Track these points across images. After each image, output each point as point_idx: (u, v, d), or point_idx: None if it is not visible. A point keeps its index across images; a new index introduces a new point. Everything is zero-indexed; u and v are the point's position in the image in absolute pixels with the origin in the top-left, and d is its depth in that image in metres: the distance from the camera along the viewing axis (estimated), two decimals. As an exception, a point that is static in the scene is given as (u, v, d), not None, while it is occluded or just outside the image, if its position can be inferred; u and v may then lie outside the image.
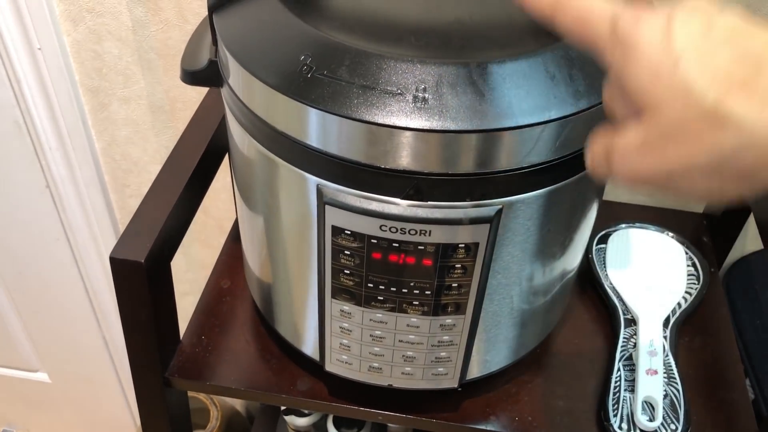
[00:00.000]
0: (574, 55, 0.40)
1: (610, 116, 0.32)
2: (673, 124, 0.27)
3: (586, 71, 0.40)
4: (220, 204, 0.95)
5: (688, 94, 0.27)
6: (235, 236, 0.72)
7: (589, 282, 0.68)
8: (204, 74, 0.47)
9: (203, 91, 0.68)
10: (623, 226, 0.71)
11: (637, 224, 0.71)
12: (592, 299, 0.67)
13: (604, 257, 0.68)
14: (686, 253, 0.69)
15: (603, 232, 0.70)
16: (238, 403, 1.25)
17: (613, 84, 0.31)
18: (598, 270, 0.67)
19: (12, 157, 0.93)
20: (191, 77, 0.48)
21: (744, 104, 0.26)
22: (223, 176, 0.88)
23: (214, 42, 0.47)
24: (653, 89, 0.28)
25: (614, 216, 0.73)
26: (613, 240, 0.70)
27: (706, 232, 0.74)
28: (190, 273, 1.09)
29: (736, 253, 0.80)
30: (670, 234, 0.70)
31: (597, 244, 0.70)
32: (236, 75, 0.43)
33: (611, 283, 0.66)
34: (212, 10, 0.45)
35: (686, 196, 0.29)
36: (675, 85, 0.27)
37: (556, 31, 0.33)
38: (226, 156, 0.64)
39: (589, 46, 0.31)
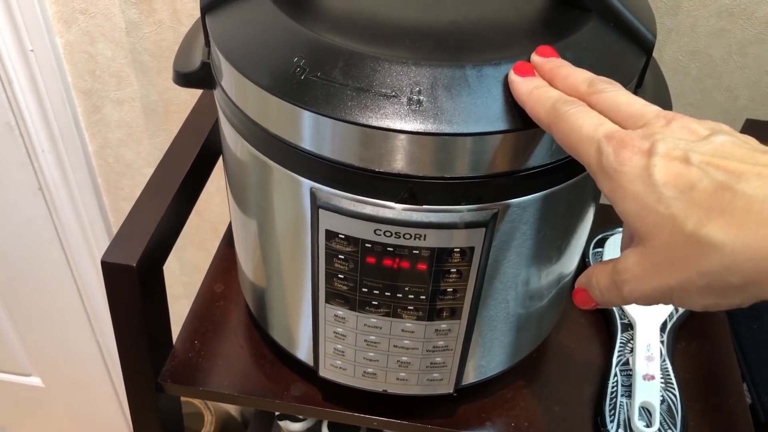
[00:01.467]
0: (571, 58, 0.40)
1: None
2: (664, 252, 0.30)
3: (582, 74, 0.39)
4: (214, 207, 0.94)
5: (673, 224, 0.29)
6: (228, 240, 0.72)
7: (585, 286, 0.67)
8: (196, 76, 0.47)
9: (197, 93, 0.68)
10: (620, 230, 0.70)
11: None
12: (589, 303, 0.66)
13: (600, 261, 0.68)
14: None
15: (600, 236, 0.70)
16: (232, 408, 1.24)
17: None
18: (595, 274, 0.67)
19: (4, 159, 0.93)
20: (184, 79, 0.47)
21: (722, 229, 0.28)
22: (217, 179, 0.87)
23: (207, 43, 0.46)
24: (642, 221, 0.30)
25: (611, 220, 0.72)
26: (609, 244, 0.69)
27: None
28: (184, 276, 1.09)
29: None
30: (667, 238, 0.70)
31: (594, 248, 0.69)
32: (229, 77, 0.43)
33: (608, 287, 0.66)
34: (204, 11, 0.45)
35: (689, 307, 0.32)
36: (660, 217, 0.30)
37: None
38: (220, 159, 0.64)
39: (581, 163, 0.34)
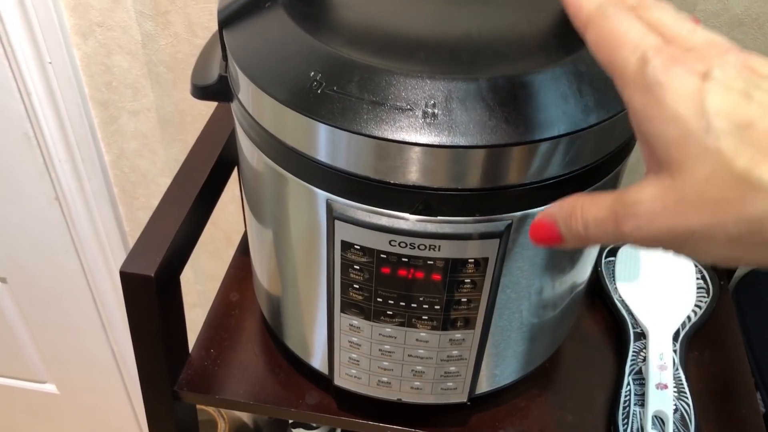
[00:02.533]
0: (584, 71, 0.40)
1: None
2: (699, 189, 0.26)
3: (595, 86, 0.40)
4: (228, 216, 0.95)
5: (717, 159, 0.25)
6: (243, 249, 0.72)
7: (598, 295, 0.67)
8: (214, 89, 0.48)
9: (212, 104, 0.69)
10: (632, 238, 0.70)
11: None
12: (601, 313, 0.66)
13: (613, 270, 0.68)
14: (695, 266, 0.69)
15: (612, 245, 0.70)
16: (245, 415, 1.25)
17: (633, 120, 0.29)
18: (607, 283, 0.67)
19: (22, 169, 0.94)
20: (201, 92, 0.48)
21: None
22: (231, 188, 0.88)
23: (224, 57, 0.47)
24: (679, 149, 0.26)
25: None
26: (622, 253, 0.70)
27: (715, 244, 0.74)
28: (198, 285, 1.10)
29: (745, 265, 0.79)
30: (680, 247, 0.70)
31: (606, 257, 0.69)
32: (246, 90, 0.43)
33: (620, 297, 0.66)
34: (222, 25, 0.46)
35: (702, 258, 0.28)
36: (705, 149, 0.26)
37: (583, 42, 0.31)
38: (235, 169, 0.65)
39: (610, 72, 0.30)
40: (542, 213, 0.33)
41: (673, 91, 0.26)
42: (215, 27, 0.75)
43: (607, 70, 0.30)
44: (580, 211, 0.31)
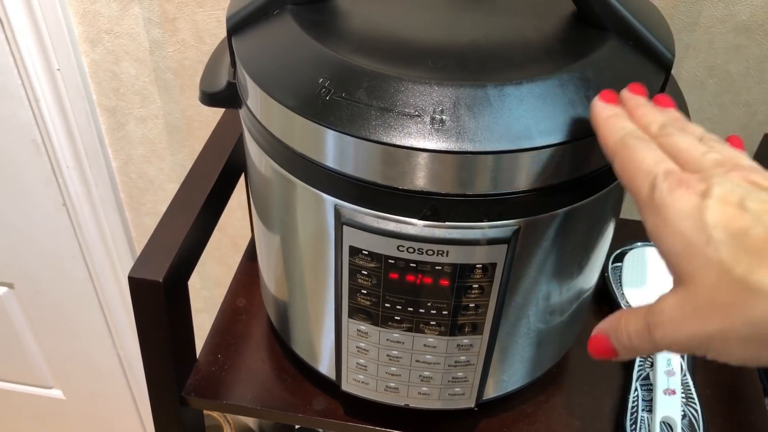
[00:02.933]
0: (591, 77, 0.40)
1: None
2: (707, 297, 0.29)
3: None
4: (235, 222, 0.95)
5: (719, 268, 0.28)
6: (250, 255, 0.73)
7: (604, 301, 0.67)
8: (222, 96, 0.48)
9: (219, 110, 0.69)
10: (639, 244, 0.71)
11: (653, 243, 0.70)
12: (608, 318, 0.66)
13: (620, 276, 0.68)
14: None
15: (618, 251, 0.70)
16: (251, 420, 1.25)
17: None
18: (614, 289, 0.67)
19: (29, 175, 0.95)
20: (210, 99, 0.48)
21: None
22: (238, 194, 0.88)
23: (233, 64, 0.47)
24: (686, 262, 0.29)
25: (630, 234, 0.73)
26: (628, 258, 0.70)
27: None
28: (205, 290, 1.10)
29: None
30: (686, 252, 0.70)
31: (613, 263, 0.69)
32: (255, 97, 0.44)
33: (627, 302, 0.66)
34: (231, 32, 0.46)
35: (727, 360, 0.30)
36: (707, 259, 0.28)
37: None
38: (242, 175, 0.65)
39: (632, 195, 0.33)
40: (596, 328, 0.37)
41: (676, 211, 0.30)
42: (223, 34, 0.75)
43: (631, 195, 0.34)
44: (624, 324, 0.34)
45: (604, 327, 0.36)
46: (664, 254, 0.31)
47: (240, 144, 0.62)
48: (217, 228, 0.60)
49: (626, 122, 0.36)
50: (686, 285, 0.30)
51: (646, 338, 0.32)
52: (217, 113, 0.69)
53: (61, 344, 1.26)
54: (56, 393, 1.39)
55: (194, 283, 1.09)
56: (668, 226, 0.30)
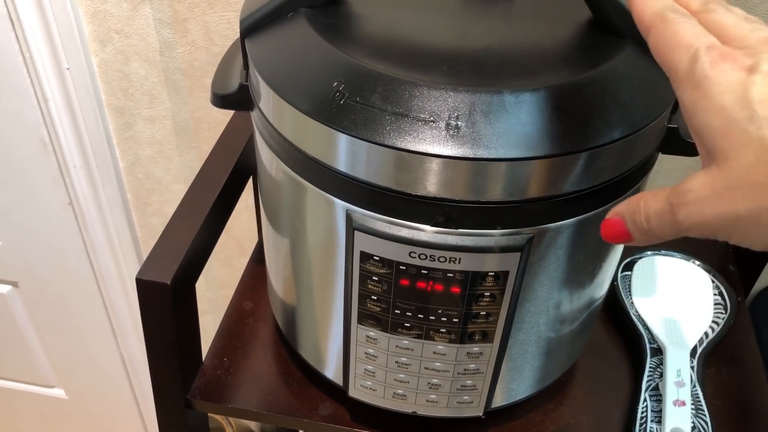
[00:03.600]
0: (607, 85, 0.40)
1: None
2: (744, 175, 0.28)
3: (619, 101, 0.40)
4: (241, 224, 0.95)
5: (760, 146, 0.27)
6: (257, 257, 0.72)
7: (614, 310, 0.67)
8: (234, 98, 0.48)
9: (228, 112, 0.69)
10: (649, 253, 0.70)
11: (663, 252, 0.70)
12: (617, 327, 0.66)
13: (629, 285, 0.68)
14: (713, 282, 0.68)
15: (628, 260, 0.70)
16: (253, 424, 1.24)
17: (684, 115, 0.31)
18: (624, 298, 0.67)
19: (37, 174, 0.94)
20: (222, 101, 0.48)
21: None
22: (245, 196, 0.88)
23: (245, 66, 0.47)
24: (724, 138, 0.28)
25: (639, 243, 0.72)
26: (638, 267, 0.69)
27: (732, 260, 0.73)
28: (209, 292, 1.10)
29: (762, 281, 0.79)
30: (696, 262, 0.69)
31: (622, 272, 0.69)
32: (267, 99, 0.43)
33: (636, 312, 0.65)
34: (245, 34, 0.46)
35: (752, 245, 0.29)
36: (749, 137, 0.27)
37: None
38: (250, 178, 0.65)
39: (667, 73, 0.31)
40: (611, 211, 0.34)
41: (719, 84, 0.28)
42: (233, 35, 0.75)
43: (665, 71, 0.31)
44: (643, 205, 0.32)
45: (620, 209, 0.34)
46: (700, 130, 0.29)
47: (249, 146, 0.62)
48: (223, 230, 0.60)
49: None
50: (720, 163, 0.28)
51: (667, 219, 0.31)
52: (225, 115, 0.68)
53: (64, 344, 1.25)
54: (58, 392, 1.39)
55: (199, 284, 1.08)
56: (708, 99, 0.28)
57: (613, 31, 0.44)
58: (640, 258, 0.70)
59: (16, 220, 1.03)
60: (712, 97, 0.28)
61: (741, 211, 0.28)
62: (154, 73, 0.82)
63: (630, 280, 0.68)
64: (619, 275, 0.68)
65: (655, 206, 0.32)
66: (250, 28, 0.46)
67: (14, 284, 1.16)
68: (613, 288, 0.67)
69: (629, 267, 0.69)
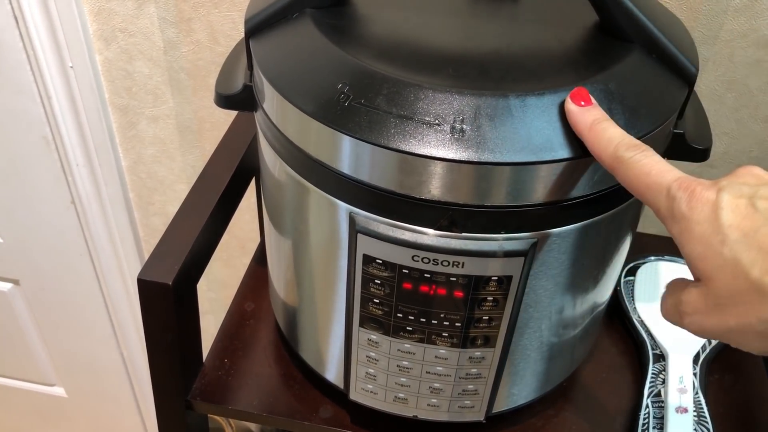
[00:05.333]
0: (614, 89, 0.40)
1: None
2: (726, 295, 0.31)
3: (625, 105, 0.39)
4: (243, 225, 0.95)
5: (735, 267, 0.30)
6: (259, 258, 0.72)
7: (616, 315, 0.67)
8: (238, 98, 0.47)
9: (232, 112, 0.69)
10: (652, 258, 0.70)
11: (666, 257, 0.70)
12: (620, 333, 0.66)
13: (632, 290, 0.67)
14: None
15: (631, 265, 0.69)
16: (253, 425, 1.24)
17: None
18: (626, 303, 0.66)
19: (39, 172, 0.94)
20: (225, 101, 0.48)
21: None
22: (247, 197, 0.88)
23: (250, 67, 0.47)
24: (705, 262, 0.31)
25: (643, 248, 0.72)
26: (641, 273, 0.69)
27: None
28: (211, 293, 1.09)
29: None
30: (700, 268, 0.69)
31: (625, 277, 0.69)
32: (271, 100, 0.43)
33: (639, 317, 0.65)
34: (249, 35, 0.46)
35: (747, 350, 0.32)
36: (724, 259, 0.30)
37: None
38: (252, 178, 0.65)
39: (646, 204, 0.35)
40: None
41: (695, 219, 0.32)
42: (237, 35, 0.75)
43: (647, 206, 0.35)
44: (665, 296, 0.37)
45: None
46: (687, 257, 0.33)
47: (252, 147, 0.62)
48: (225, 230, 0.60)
49: (611, 129, 0.36)
50: (707, 283, 0.32)
51: (676, 320, 0.35)
52: (229, 115, 0.68)
53: (65, 342, 1.25)
54: (59, 391, 1.39)
55: (200, 285, 1.07)
56: (689, 231, 0.32)
57: (619, 34, 0.43)
58: (644, 263, 0.70)
59: (18, 218, 1.03)
60: (692, 229, 0.32)
61: (731, 325, 0.31)
62: (158, 72, 0.82)
63: (633, 286, 0.68)
64: (622, 280, 0.68)
65: (669, 303, 0.36)
66: (255, 28, 0.45)
67: (16, 282, 1.16)
68: (616, 293, 0.67)
69: (632, 272, 0.69)
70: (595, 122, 0.37)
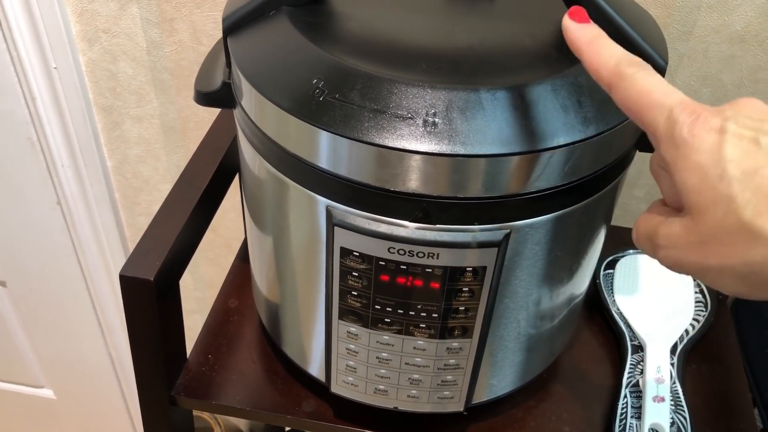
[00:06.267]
0: (584, 82, 0.40)
1: (655, 178, 0.35)
2: (712, 232, 0.30)
3: (594, 98, 0.40)
4: (228, 223, 0.95)
5: (729, 205, 0.29)
6: (243, 256, 0.73)
7: (596, 307, 0.68)
8: (217, 96, 0.48)
9: (215, 111, 0.69)
10: (631, 252, 0.71)
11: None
12: (599, 325, 0.67)
13: (611, 283, 0.68)
14: (694, 280, 0.69)
15: (611, 258, 0.70)
16: (241, 422, 1.24)
17: (662, 164, 0.33)
18: (606, 295, 0.67)
19: (24, 173, 0.94)
20: (205, 98, 0.48)
21: None
22: (232, 195, 0.88)
23: (228, 64, 0.48)
24: (699, 195, 0.30)
25: (622, 241, 0.73)
26: (620, 266, 0.70)
27: (714, 259, 0.74)
28: (198, 291, 1.10)
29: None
30: (678, 260, 0.70)
31: (605, 270, 0.70)
32: (249, 97, 0.44)
33: (618, 309, 0.66)
34: (227, 33, 0.46)
35: (719, 289, 0.32)
36: (719, 194, 0.29)
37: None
38: (236, 176, 0.65)
39: (643, 129, 0.33)
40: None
41: (695, 147, 0.30)
42: (220, 35, 0.75)
43: (641, 127, 0.33)
44: (636, 227, 0.35)
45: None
46: (679, 185, 0.31)
47: (234, 145, 0.62)
48: (210, 229, 0.60)
49: (612, 46, 0.35)
50: (694, 217, 0.30)
51: (649, 250, 0.34)
52: (213, 114, 0.69)
53: (53, 343, 1.25)
54: (47, 392, 1.39)
55: (187, 284, 1.08)
56: (687, 160, 0.30)
57: (590, 30, 0.44)
58: (623, 256, 0.71)
59: (4, 219, 1.03)
60: (691, 157, 0.30)
61: (710, 264, 0.30)
62: (142, 73, 0.82)
63: (612, 278, 0.69)
64: (602, 273, 0.69)
65: (643, 233, 0.35)
66: (233, 26, 0.46)
67: (2, 284, 1.16)
68: (596, 286, 0.68)
69: (612, 265, 0.70)
70: (595, 38, 0.35)
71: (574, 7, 0.37)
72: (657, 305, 0.66)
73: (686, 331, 0.64)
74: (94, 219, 1.00)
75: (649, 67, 0.34)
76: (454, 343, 0.47)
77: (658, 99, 0.32)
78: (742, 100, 0.31)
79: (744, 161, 0.29)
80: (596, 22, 0.43)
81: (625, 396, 0.59)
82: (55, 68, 0.82)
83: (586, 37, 0.36)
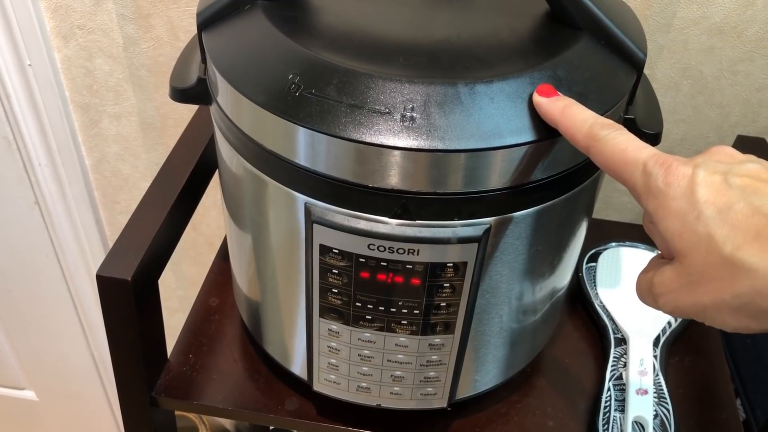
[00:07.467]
0: (562, 75, 0.40)
1: (649, 235, 0.37)
2: (700, 270, 0.31)
3: (573, 91, 0.40)
4: (210, 221, 0.94)
5: (709, 243, 0.30)
6: (224, 254, 0.72)
7: (579, 301, 0.68)
8: (193, 92, 0.47)
9: (194, 108, 0.68)
10: (613, 245, 0.71)
11: (627, 243, 0.71)
12: (582, 318, 0.67)
13: (594, 276, 0.68)
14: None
15: (593, 251, 0.70)
16: (227, 422, 1.24)
17: (650, 221, 0.35)
18: (588, 289, 0.67)
19: (1, 173, 0.93)
20: (180, 95, 0.48)
21: (756, 254, 0.29)
22: (213, 193, 0.87)
23: (203, 60, 0.47)
24: (681, 238, 0.32)
25: (604, 235, 0.73)
26: (603, 259, 0.70)
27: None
28: (180, 290, 1.09)
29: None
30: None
31: (587, 263, 0.70)
32: (224, 93, 0.43)
33: (601, 302, 0.66)
34: (201, 28, 0.45)
35: (722, 327, 0.32)
36: (699, 235, 0.31)
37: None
38: (216, 173, 0.64)
39: (622, 183, 0.35)
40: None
41: (671, 195, 0.32)
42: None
43: (623, 184, 0.35)
44: (638, 280, 0.37)
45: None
46: (663, 232, 0.33)
47: (213, 142, 0.61)
48: (192, 227, 0.60)
49: (584, 111, 0.37)
50: (681, 260, 0.32)
51: (650, 301, 0.36)
52: (192, 111, 0.68)
53: (33, 345, 1.24)
54: (29, 394, 1.37)
55: (169, 282, 1.08)
56: (666, 208, 0.32)
57: (569, 22, 0.44)
58: (605, 249, 0.71)
59: (-19, 220, 1.01)
60: (668, 204, 0.32)
61: (705, 302, 0.31)
62: (119, 69, 0.81)
63: (595, 272, 0.69)
64: (584, 267, 0.69)
65: (643, 286, 0.36)
66: (207, 21, 0.45)
67: (-19, 285, 1.14)
68: (578, 279, 0.68)
69: (594, 258, 0.70)
70: (566, 107, 0.37)
71: (541, 85, 0.39)
72: (639, 298, 0.66)
73: (669, 323, 0.64)
74: (74, 218, 0.98)
75: (621, 127, 0.36)
76: (437, 339, 0.47)
77: (632, 155, 0.34)
78: (714, 148, 0.34)
79: (717, 200, 0.31)
80: (576, 15, 0.43)
81: (609, 389, 0.59)
82: (30, 65, 0.81)
83: (558, 108, 0.38)
